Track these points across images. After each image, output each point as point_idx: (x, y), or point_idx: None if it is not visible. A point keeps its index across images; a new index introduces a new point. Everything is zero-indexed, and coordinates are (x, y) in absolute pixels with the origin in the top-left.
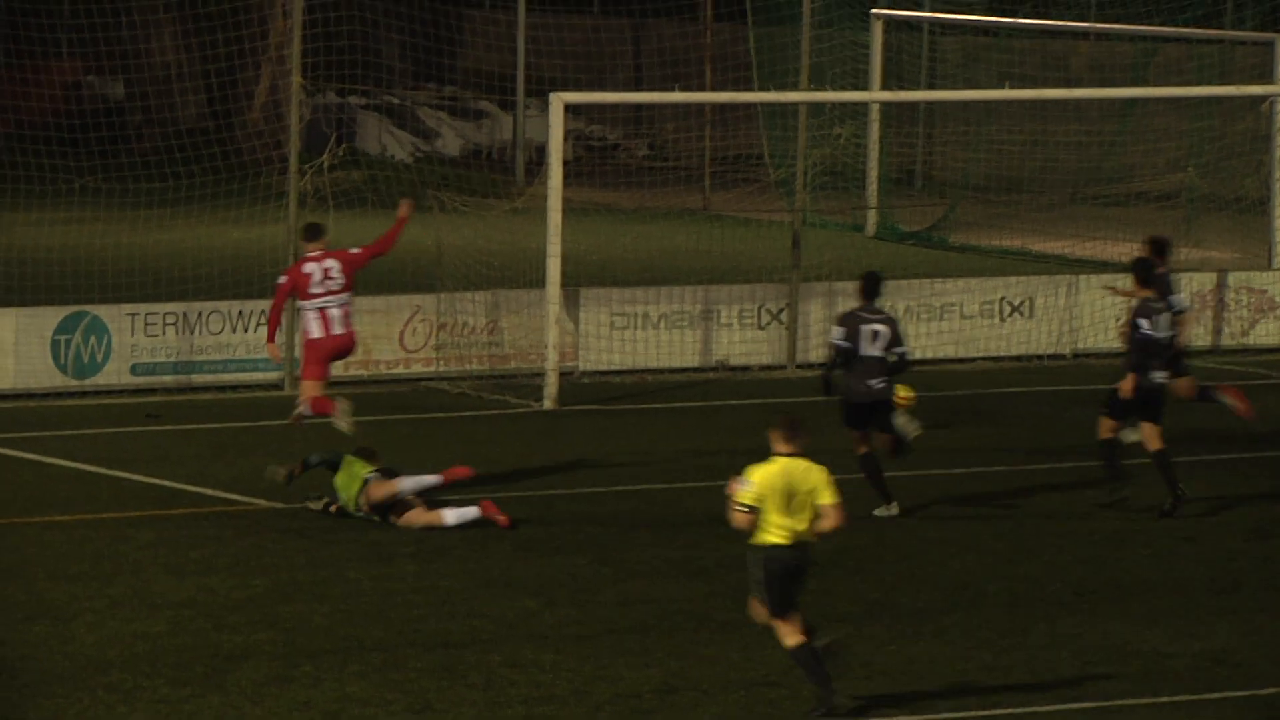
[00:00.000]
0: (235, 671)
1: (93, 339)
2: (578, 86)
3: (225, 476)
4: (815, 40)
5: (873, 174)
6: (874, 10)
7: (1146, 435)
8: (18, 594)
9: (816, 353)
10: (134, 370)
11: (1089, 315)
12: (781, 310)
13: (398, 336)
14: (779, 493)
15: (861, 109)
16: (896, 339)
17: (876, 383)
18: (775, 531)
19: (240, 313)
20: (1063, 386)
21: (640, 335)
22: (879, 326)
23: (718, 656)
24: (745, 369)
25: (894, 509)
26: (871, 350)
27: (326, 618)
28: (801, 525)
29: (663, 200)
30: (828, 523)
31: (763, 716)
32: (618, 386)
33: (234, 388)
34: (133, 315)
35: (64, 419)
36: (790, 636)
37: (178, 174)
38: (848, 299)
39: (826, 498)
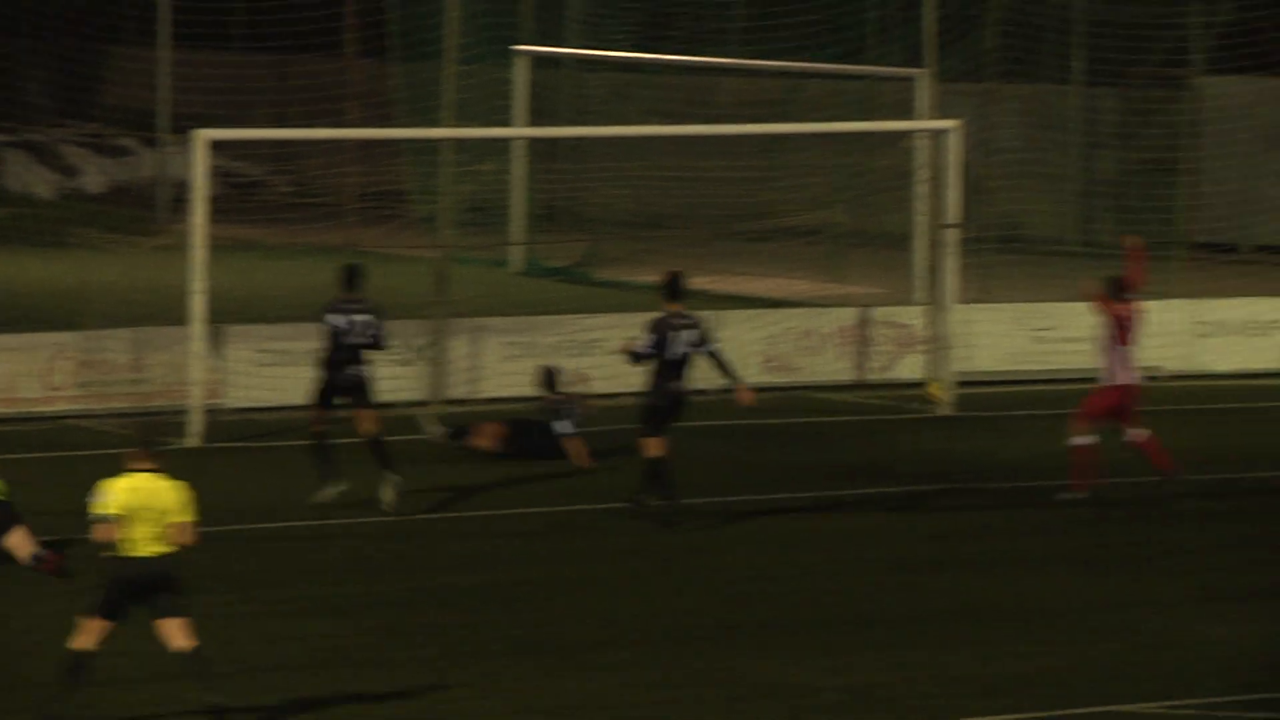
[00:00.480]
0: None
1: None
2: (221, 123)
3: None
4: (460, 76)
5: (517, 210)
6: (517, 47)
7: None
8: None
9: (463, 388)
10: None
11: (736, 351)
12: (425, 346)
13: (39, 374)
14: (131, 507)
15: (505, 145)
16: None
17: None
18: (128, 545)
19: None
20: (713, 421)
21: (287, 372)
22: None
23: (364, 692)
24: (390, 405)
25: None
26: None
27: None
28: (151, 540)
29: (307, 236)
30: (178, 539)
31: None
32: (263, 424)
33: None
34: None
35: None
36: (82, 638)
37: None
38: (495, 334)
39: (178, 516)
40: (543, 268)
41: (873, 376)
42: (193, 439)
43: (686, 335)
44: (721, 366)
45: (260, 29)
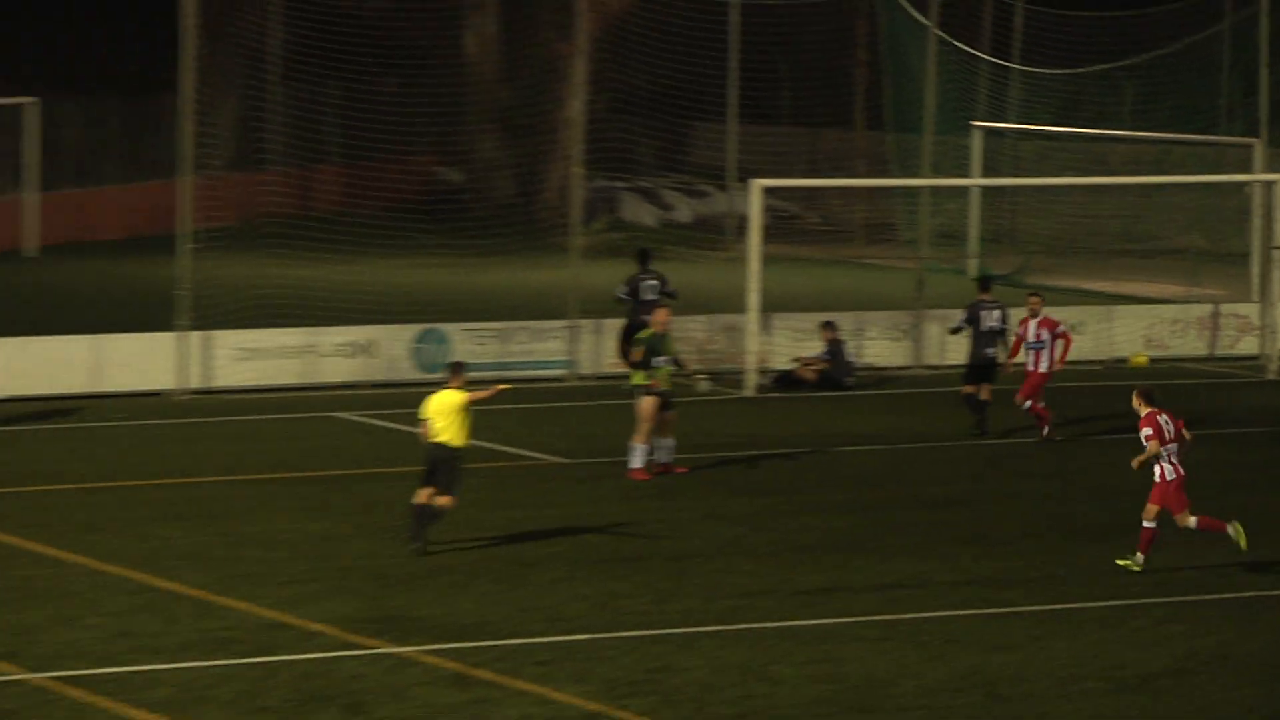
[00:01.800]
0: (534, 573)
1: (439, 346)
2: (770, 174)
3: (528, 439)
4: (935, 144)
5: (972, 235)
6: (974, 123)
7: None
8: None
9: (934, 358)
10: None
11: (1125, 335)
12: (909, 329)
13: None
14: (434, 411)
15: (965, 191)
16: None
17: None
18: (432, 435)
19: (537, 330)
20: (1108, 382)
21: (811, 345)
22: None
23: (851, 564)
24: (883, 368)
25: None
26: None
27: (601, 538)
28: (443, 432)
29: (827, 253)
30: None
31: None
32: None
33: (530, 381)
34: (469, 329)
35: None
36: (420, 495)
37: (496, 235)
38: (951, 320)
39: (454, 418)
40: (990, 275)
41: (1220, 352)
42: (748, 390)
43: (994, 314)
44: (1005, 343)
45: (799, 109)
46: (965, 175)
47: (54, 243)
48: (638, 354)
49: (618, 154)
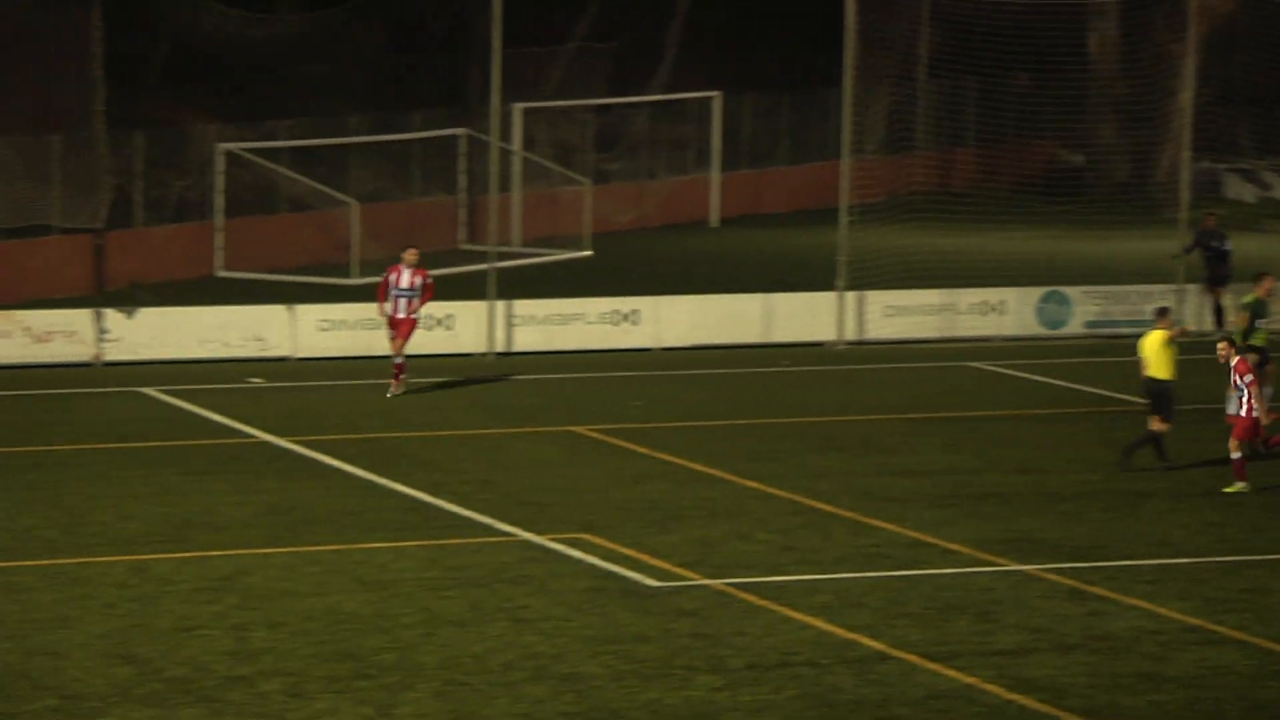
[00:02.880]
0: (1143, 503)
1: (1060, 306)
2: None
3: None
4: None
5: None
6: None
7: None
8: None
9: None
10: (1086, 325)
11: None
12: None
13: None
14: (1145, 348)
15: None
16: None
17: None
18: (1145, 369)
19: (1145, 293)
20: None
21: None
22: None
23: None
24: None
25: None
26: None
27: (1201, 473)
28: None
29: None
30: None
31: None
32: None
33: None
34: (1087, 291)
35: (1040, 353)
36: (1152, 426)
37: (1112, 210)
38: None
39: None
40: None
41: None
42: None
43: None
44: None
45: None
46: None
47: (731, 215)
48: (1243, 319)
49: (1221, 139)
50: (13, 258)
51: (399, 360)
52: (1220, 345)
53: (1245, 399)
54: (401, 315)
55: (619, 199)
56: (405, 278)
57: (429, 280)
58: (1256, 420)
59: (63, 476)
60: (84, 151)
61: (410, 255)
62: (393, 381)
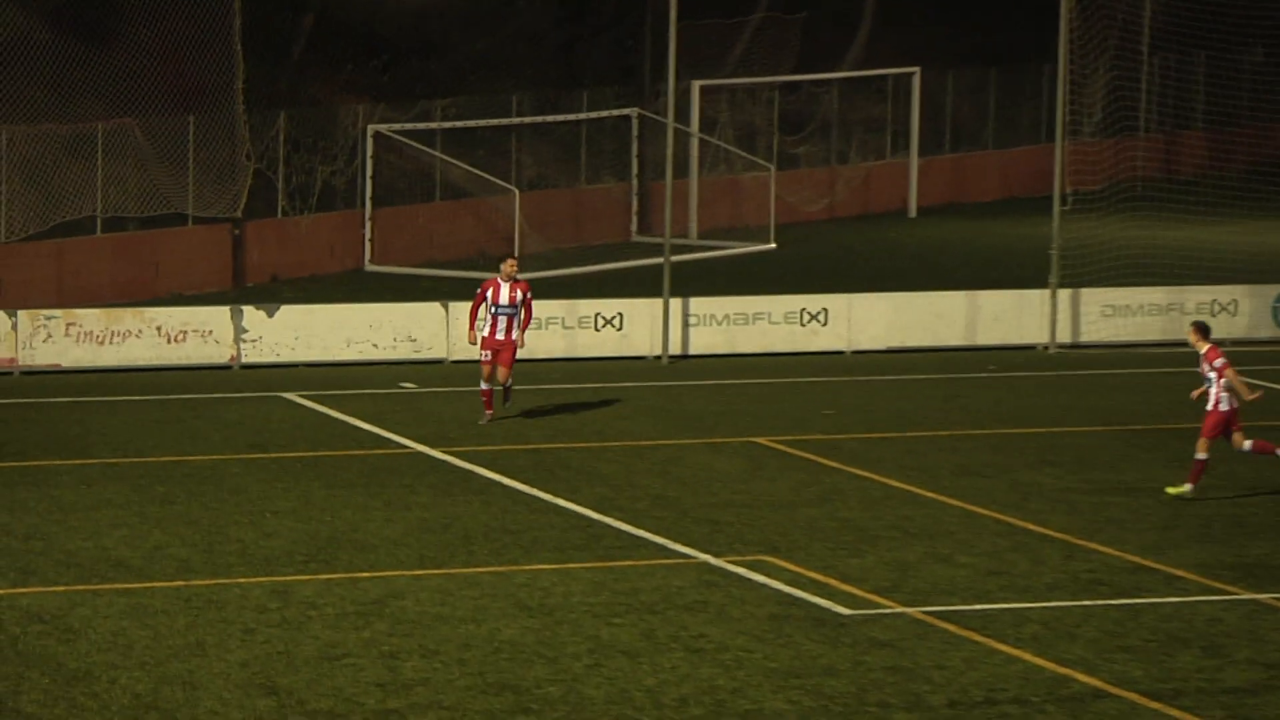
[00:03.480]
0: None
1: None
2: None
3: None
4: None
5: None
6: None
7: None
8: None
9: None
10: None
11: None
12: None
13: None
14: None
15: None
16: None
17: None
18: None
19: None
20: None
21: None
22: None
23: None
24: None
25: None
26: None
27: None
28: None
29: None
30: None
31: None
32: None
33: None
34: None
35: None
36: None
37: None
38: None
39: None
40: None
41: None
42: None
43: None
44: None
45: None
46: None
47: (932, 204)
48: None
49: None
50: (143, 250)
51: (488, 387)
52: (1188, 332)
53: (1214, 391)
54: (501, 337)
55: (807, 186)
56: (505, 293)
57: (529, 295)
58: (1229, 415)
59: (197, 489)
60: (221, 133)
61: (509, 266)
62: (485, 410)
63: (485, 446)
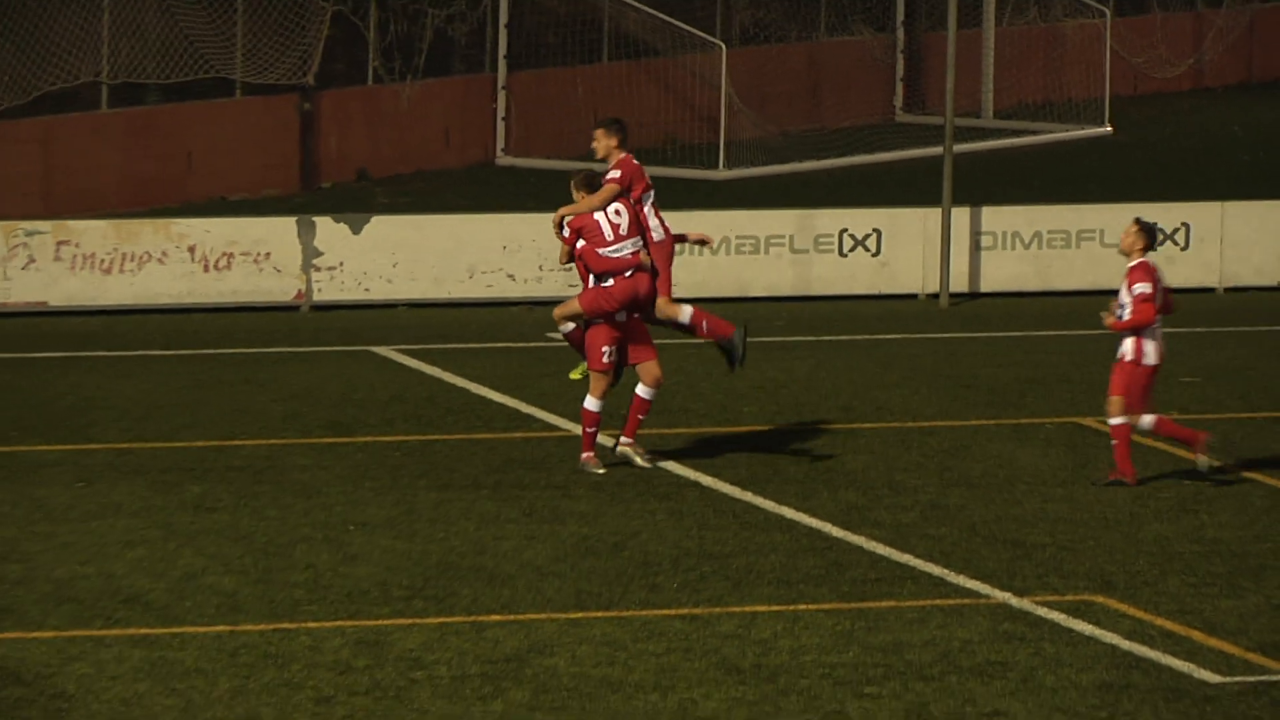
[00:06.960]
0: None
1: None
2: None
3: None
4: None
5: None
6: None
7: None
8: None
9: None
10: None
11: None
12: None
13: None
14: None
15: None
16: None
17: None
18: None
19: None
20: None
21: None
22: None
23: None
24: None
25: None
26: None
27: None
28: None
29: None
30: None
31: None
32: None
33: None
34: None
35: None
36: None
37: None
38: None
39: None
40: None
41: None
42: None
43: None
44: None
45: None
46: None
47: None
48: None
49: None
50: (170, 134)
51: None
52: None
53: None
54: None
55: (1160, 40)
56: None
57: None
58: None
59: (248, 490)
60: None
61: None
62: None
63: (670, 428)
